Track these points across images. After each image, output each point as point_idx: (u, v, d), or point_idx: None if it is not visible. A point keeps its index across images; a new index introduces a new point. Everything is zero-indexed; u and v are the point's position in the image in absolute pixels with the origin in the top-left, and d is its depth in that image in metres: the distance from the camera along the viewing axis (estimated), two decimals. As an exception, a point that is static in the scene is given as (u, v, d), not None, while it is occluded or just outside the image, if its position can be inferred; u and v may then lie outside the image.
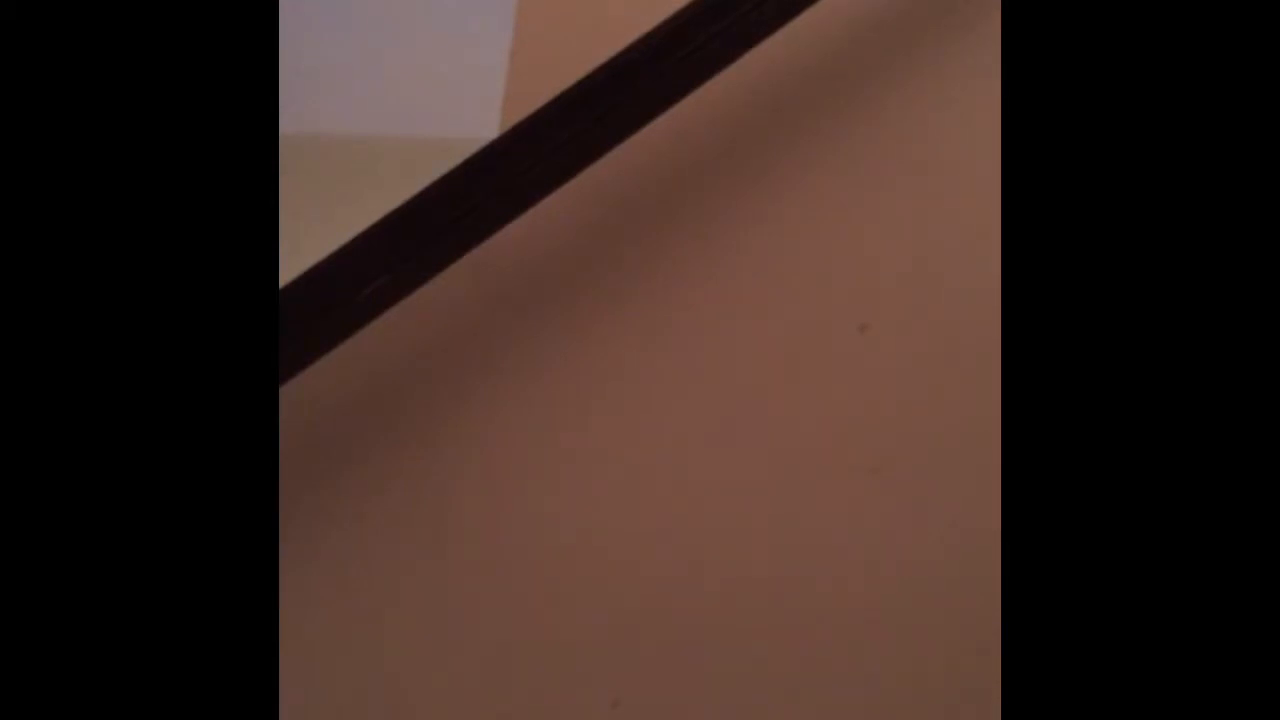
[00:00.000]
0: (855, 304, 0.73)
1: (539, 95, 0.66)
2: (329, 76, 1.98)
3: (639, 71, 0.67)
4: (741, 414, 0.72)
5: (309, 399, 0.70)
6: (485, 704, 0.68)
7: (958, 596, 0.68)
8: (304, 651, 0.67)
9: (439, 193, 0.66)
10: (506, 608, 0.69)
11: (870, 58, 0.77)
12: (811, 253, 0.74)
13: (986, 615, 0.65)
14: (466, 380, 0.73)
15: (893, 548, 0.69)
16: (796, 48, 0.75)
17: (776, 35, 0.71)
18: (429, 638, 0.69)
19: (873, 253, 0.74)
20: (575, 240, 0.74)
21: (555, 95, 0.66)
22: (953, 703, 0.67)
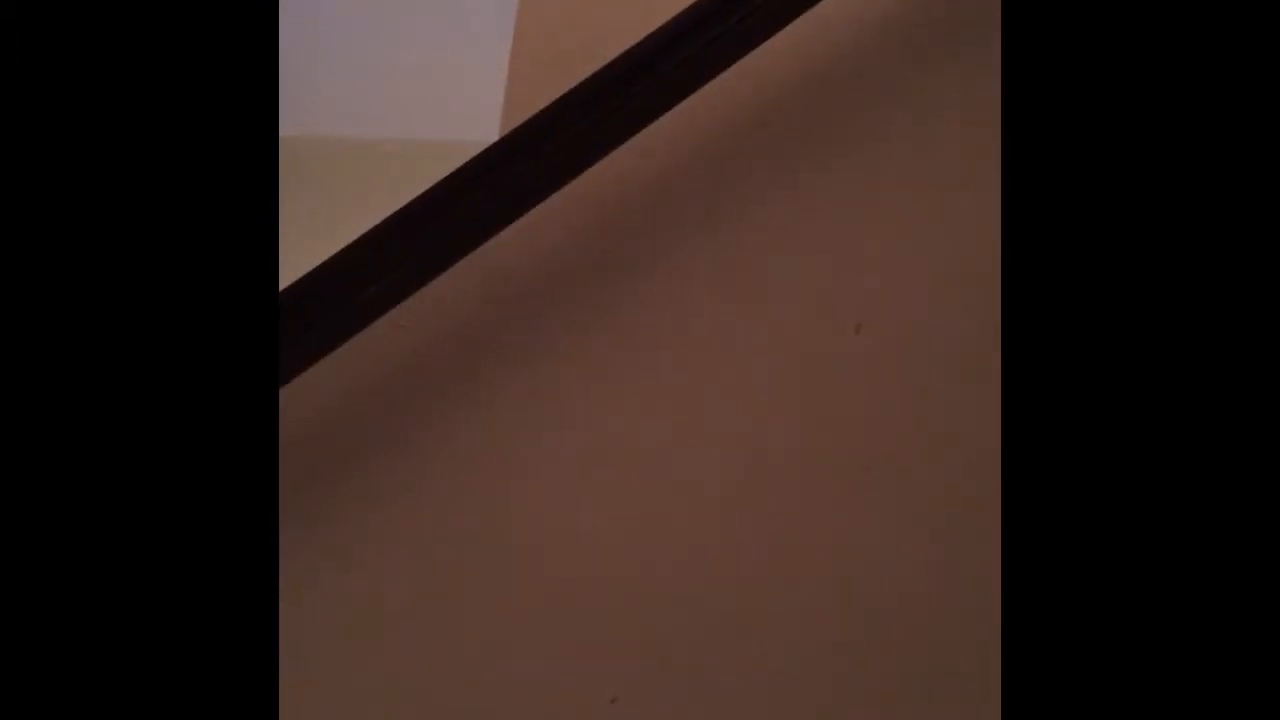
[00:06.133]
0: (851, 304, 0.73)
1: (539, 98, 0.67)
2: (330, 79, 1.98)
3: (638, 75, 0.67)
4: (738, 413, 0.72)
5: (309, 399, 0.70)
6: (484, 702, 0.68)
7: (954, 596, 0.68)
8: (302, 651, 0.67)
9: (439, 195, 0.66)
10: (504, 606, 0.69)
11: (869, 58, 0.77)
12: (808, 253, 0.74)
13: (984, 615, 0.65)
14: (465, 380, 0.73)
15: (887, 547, 0.69)
16: (795, 49, 0.75)
17: (775, 37, 0.71)
18: (427, 636, 0.69)
19: (869, 253, 0.74)
20: (574, 242, 0.74)
21: (555, 98, 0.67)
22: (951, 702, 0.67)
